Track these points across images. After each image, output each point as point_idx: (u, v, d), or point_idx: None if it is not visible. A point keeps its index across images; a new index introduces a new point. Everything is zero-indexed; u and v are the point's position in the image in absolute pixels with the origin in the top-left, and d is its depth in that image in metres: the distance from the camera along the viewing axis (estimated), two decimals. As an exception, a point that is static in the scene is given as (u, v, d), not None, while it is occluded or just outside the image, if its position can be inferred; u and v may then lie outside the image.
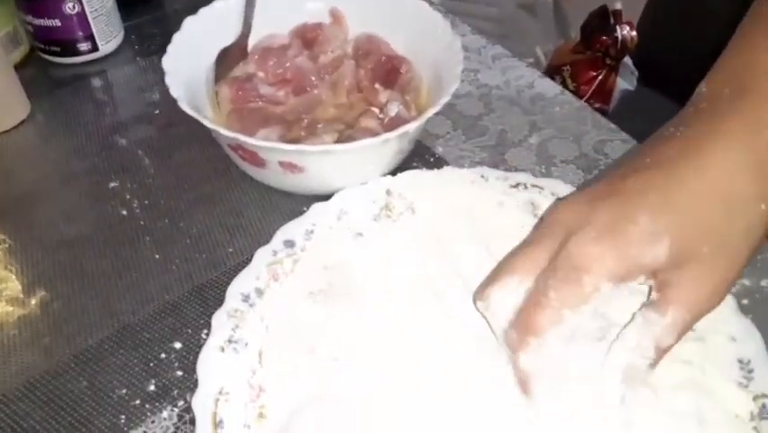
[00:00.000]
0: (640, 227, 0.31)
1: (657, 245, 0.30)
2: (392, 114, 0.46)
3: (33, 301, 0.41)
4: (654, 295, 0.32)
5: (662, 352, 0.32)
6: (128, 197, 0.47)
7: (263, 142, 0.39)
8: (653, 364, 0.32)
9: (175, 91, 0.42)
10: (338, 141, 0.44)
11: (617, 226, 0.31)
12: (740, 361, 0.36)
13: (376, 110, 0.47)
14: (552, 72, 1.20)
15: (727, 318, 0.37)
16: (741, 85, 0.34)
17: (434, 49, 0.49)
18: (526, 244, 0.35)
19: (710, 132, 0.32)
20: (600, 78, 1.14)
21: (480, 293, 0.36)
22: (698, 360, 0.35)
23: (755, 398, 0.34)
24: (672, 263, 0.31)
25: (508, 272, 0.34)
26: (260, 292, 0.39)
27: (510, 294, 0.34)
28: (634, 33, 1.08)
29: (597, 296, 0.31)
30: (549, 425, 0.33)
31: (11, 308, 0.40)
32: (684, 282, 0.31)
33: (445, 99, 0.43)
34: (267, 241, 0.41)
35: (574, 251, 0.31)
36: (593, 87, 1.14)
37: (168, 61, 0.45)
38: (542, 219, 0.36)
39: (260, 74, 0.50)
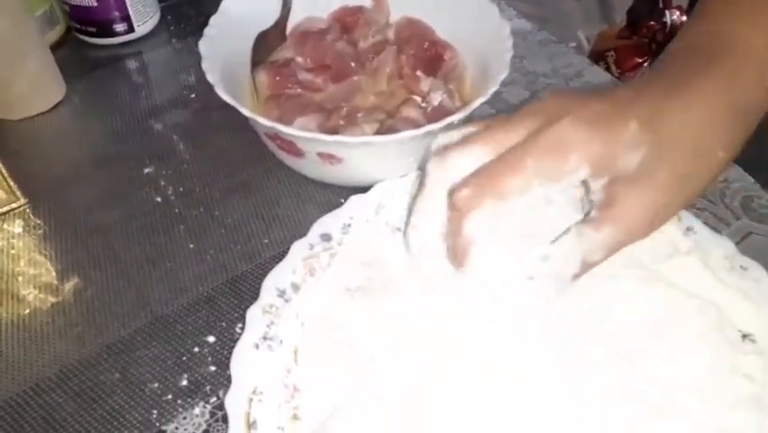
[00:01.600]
0: (629, 131, 0.31)
1: (635, 152, 0.31)
2: (435, 103, 0.44)
3: (67, 289, 0.40)
4: (594, 212, 0.32)
5: (587, 266, 0.32)
6: (163, 183, 0.46)
7: (302, 132, 0.38)
8: (577, 276, 0.32)
9: (211, 77, 0.41)
10: (378, 131, 0.42)
11: (609, 121, 0.31)
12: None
13: (418, 99, 0.45)
14: (595, 58, 1.16)
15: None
16: (718, 44, 0.35)
17: (480, 34, 0.47)
18: (501, 120, 0.33)
19: (694, 74, 0.34)
20: (646, 64, 1.09)
21: (439, 151, 0.33)
22: (759, 375, 0.33)
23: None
24: (634, 177, 0.31)
25: (480, 139, 0.32)
26: (295, 287, 0.37)
27: (473, 161, 0.32)
28: (684, 18, 1.03)
29: (573, 179, 0.31)
30: (591, 415, 0.32)
31: (44, 295, 0.40)
32: (630, 202, 0.31)
33: (493, 89, 0.41)
34: (303, 233, 0.40)
35: (561, 130, 0.31)
36: (639, 75, 1.10)
37: (204, 45, 0.43)
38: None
39: (299, 59, 0.49)
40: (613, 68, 1.12)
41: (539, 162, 0.31)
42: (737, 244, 0.39)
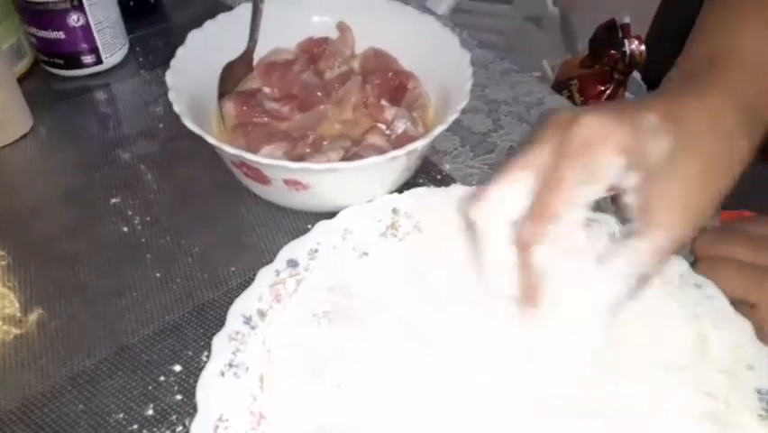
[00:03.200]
0: (649, 121, 0.31)
1: (661, 141, 0.31)
2: (399, 131, 0.46)
3: (31, 320, 0.40)
4: (637, 222, 0.32)
5: (644, 279, 0.32)
6: (130, 213, 0.46)
7: (267, 160, 0.38)
8: (635, 292, 0.32)
9: (178, 106, 0.41)
10: (344, 158, 0.43)
11: (628, 113, 0.31)
12: (759, 391, 0.34)
13: (383, 127, 0.46)
14: (559, 86, 1.19)
15: (744, 345, 0.36)
16: (712, 60, 0.37)
17: (442, 65, 0.48)
18: (528, 144, 0.33)
19: (698, 84, 0.35)
20: (608, 92, 1.13)
21: (478, 196, 0.33)
22: (722, 392, 0.34)
23: (776, 430, 0.33)
24: (665, 172, 0.31)
25: (510, 169, 0.32)
26: (262, 314, 0.38)
27: (515, 191, 0.32)
28: (642, 48, 1.07)
29: (610, 172, 0.31)
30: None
31: (7, 328, 0.39)
32: (665, 204, 0.31)
33: (454, 116, 0.42)
34: (270, 260, 0.40)
35: (584, 128, 0.31)
36: (601, 102, 1.13)
37: (171, 76, 0.44)
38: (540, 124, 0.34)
39: (266, 89, 0.50)
40: (576, 95, 1.15)
41: (572, 168, 0.31)
42: (692, 264, 0.41)
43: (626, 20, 1.14)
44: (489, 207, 0.32)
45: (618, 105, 0.33)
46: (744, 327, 0.37)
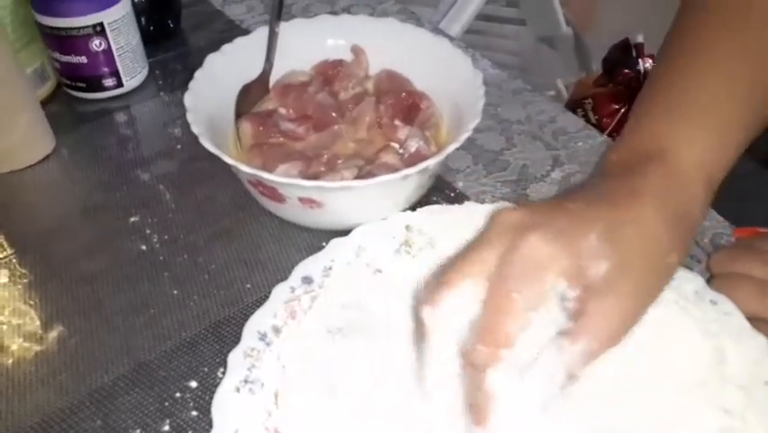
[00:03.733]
0: (590, 243, 0.33)
1: (600, 264, 0.33)
2: (412, 149, 0.46)
3: (51, 337, 0.40)
4: (570, 324, 0.33)
5: (570, 376, 0.33)
6: (148, 231, 0.47)
7: (283, 179, 0.39)
8: (563, 387, 0.33)
9: (196, 128, 0.42)
10: (358, 176, 0.44)
11: (571, 233, 0.33)
12: (778, 408, 0.34)
13: (396, 146, 0.47)
14: (573, 105, 1.19)
15: (761, 361, 0.36)
16: (648, 156, 0.38)
17: (455, 84, 0.49)
18: (474, 246, 0.34)
19: (635, 186, 0.36)
20: (623, 110, 1.13)
21: (428, 297, 0.34)
22: (739, 409, 0.34)
23: (795, 449, 0.32)
24: (603, 288, 0.33)
25: (459, 275, 0.33)
26: (276, 330, 0.38)
27: (462, 297, 0.33)
28: (656, 66, 1.07)
29: (554, 295, 0.32)
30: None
31: (28, 344, 0.40)
32: (600, 312, 0.32)
33: (466, 135, 0.43)
34: (285, 277, 0.41)
35: (532, 249, 0.32)
36: (615, 120, 1.13)
37: (189, 98, 0.45)
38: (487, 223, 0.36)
39: (282, 110, 0.51)
40: (591, 114, 1.15)
41: (522, 293, 0.32)
42: (707, 281, 0.41)
43: (640, 39, 1.15)
44: (439, 311, 0.33)
45: (565, 216, 0.34)
46: (761, 342, 0.36)
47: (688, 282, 0.40)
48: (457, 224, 0.44)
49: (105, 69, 0.58)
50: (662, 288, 0.35)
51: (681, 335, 0.37)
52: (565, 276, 0.32)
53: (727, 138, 0.39)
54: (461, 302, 0.33)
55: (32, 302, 0.43)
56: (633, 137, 0.40)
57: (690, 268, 0.42)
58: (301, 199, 0.41)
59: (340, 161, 0.46)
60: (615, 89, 1.13)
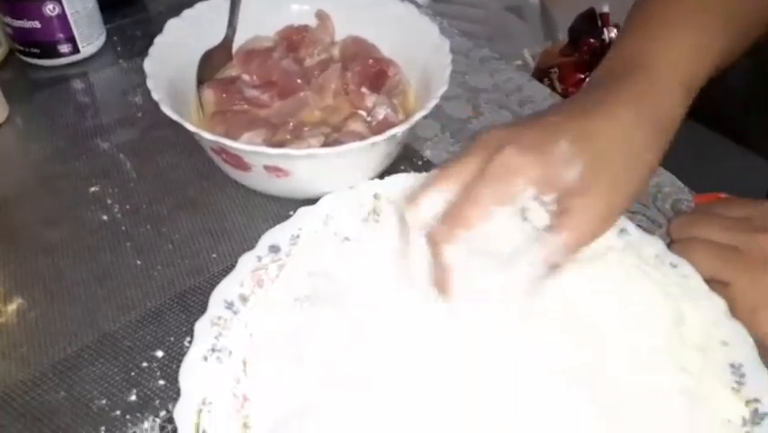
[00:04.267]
0: (561, 149, 0.36)
1: (572, 168, 0.35)
2: (380, 117, 0.46)
3: (10, 310, 0.39)
4: (552, 220, 0.36)
5: (551, 268, 0.36)
6: (109, 201, 0.46)
7: (246, 146, 0.39)
8: (542, 278, 0.36)
9: (157, 94, 0.41)
10: (324, 144, 0.43)
11: (542, 144, 0.36)
12: (732, 366, 0.35)
13: (363, 113, 0.47)
14: (539, 74, 1.20)
15: (719, 322, 0.37)
16: (632, 65, 0.40)
17: (422, 52, 0.49)
18: (456, 159, 0.38)
19: (613, 94, 0.39)
20: (588, 80, 1.14)
21: (409, 199, 0.37)
22: (697, 369, 0.35)
23: (747, 402, 0.33)
24: (576, 190, 0.35)
25: (441, 179, 0.37)
26: (244, 299, 0.38)
27: (440, 198, 0.36)
28: (621, 36, 1.08)
29: (523, 199, 0.36)
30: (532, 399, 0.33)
31: (-13, 317, 0.39)
32: (580, 211, 0.35)
33: (434, 102, 0.42)
34: (252, 246, 0.40)
35: (505, 158, 0.35)
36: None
37: (149, 64, 0.44)
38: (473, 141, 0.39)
39: (245, 77, 0.50)
40: (557, 83, 1.16)
41: (493, 191, 0.35)
42: (668, 244, 0.42)
43: (605, 9, 1.15)
44: (419, 209, 0.37)
45: (539, 129, 0.37)
46: (718, 304, 0.38)
47: (649, 246, 0.41)
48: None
49: (60, 35, 0.56)
50: (638, 185, 0.37)
51: (641, 297, 0.38)
52: (536, 184, 0.35)
53: (705, 47, 0.41)
54: (439, 200, 0.36)
55: (-11, 275, 0.41)
56: (615, 54, 0.43)
57: (650, 232, 0.43)
58: (267, 168, 0.41)
59: (306, 129, 0.45)
60: (580, 59, 1.14)
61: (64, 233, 0.44)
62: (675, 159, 0.52)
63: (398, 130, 0.41)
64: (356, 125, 0.45)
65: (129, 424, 0.34)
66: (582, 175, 0.35)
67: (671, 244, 0.42)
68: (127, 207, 0.46)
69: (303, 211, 0.42)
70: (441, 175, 0.37)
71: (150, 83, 0.42)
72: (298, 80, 0.49)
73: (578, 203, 0.35)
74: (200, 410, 0.33)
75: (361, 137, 0.43)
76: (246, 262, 0.39)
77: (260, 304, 0.38)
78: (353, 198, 0.43)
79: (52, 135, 0.52)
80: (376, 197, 0.43)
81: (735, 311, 0.37)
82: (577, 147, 0.36)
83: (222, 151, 0.41)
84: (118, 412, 0.35)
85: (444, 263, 0.35)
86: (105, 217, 0.45)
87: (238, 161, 0.41)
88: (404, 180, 0.45)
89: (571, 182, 0.35)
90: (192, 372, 0.34)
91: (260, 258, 0.40)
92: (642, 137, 0.37)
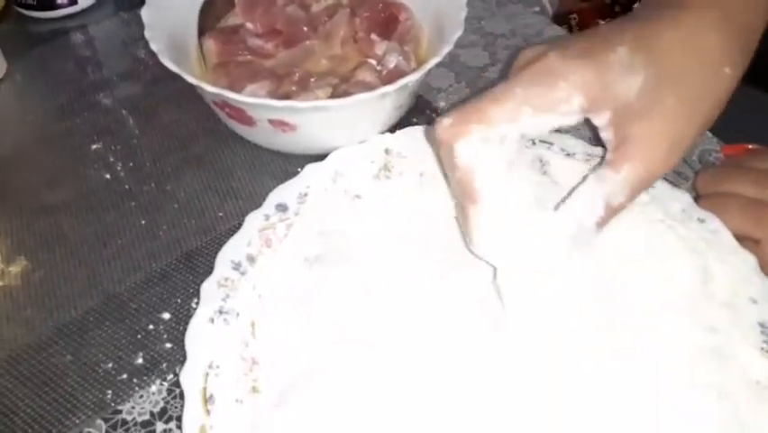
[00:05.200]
0: (619, 55, 0.29)
1: (633, 76, 0.29)
2: (390, 66, 0.43)
3: (14, 272, 0.39)
4: (610, 154, 0.31)
5: (612, 210, 0.31)
6: (112, 159, 0.45)
7: (250, 99, 0.36)
8: (601, 223, 0.31)
9: (155, 45, 0.39)
10: (332, 96, 0.41)
11: (596, 49, 0.30)
12: (762, 325, 0.34)
13: (373, 62, 0.44)
14: (558, 21, 1.14)
15: (748, 279, 0.35)
16: None
17: (435, -6, 0.46)
18: (501, 84, 0.32)
19: (676, 4, 0.32)
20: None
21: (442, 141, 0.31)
22: (725, 326, 0.33)
23: (778, 363, 0.32)
24: (640, 107, 0.30)
25: (487, 98, 0.31)
26: (251, 259, 0.36)
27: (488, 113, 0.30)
28: (645, -21, 1.03)
29: (567, 109, 0.30)
30: (548, 382, 0.31)
31: (-10, 280, 0.38)
32: (644, 136, 0.30)
33: (447, 48, 0.40)
34: (258, 204, 0.39)
35: (549, 61, 0.30)
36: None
37: (147, 13, 0.42)
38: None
39: (248, 25, 0.47)
40: (576, 30, 1.11)
41: (527, 90, 0.29)
42: (695, 198, 0.39)
43: (629, -50, 1.09)
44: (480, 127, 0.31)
45: (590, 38, 0.31)
46: (748, 260, 0.36)
47: (675, 201, 0.39)
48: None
49: (56, -16, 0.53)
50: (714, 107, 0.31)
51: (667, 253, 0.37)
52: (584, 91, 0.29)
53: None
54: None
55: (-9, 236, 0.40)
56: None
57: (676, 185, 0.40)
58: (272, 122, 0.39)
59: (313, 80, 0.43)
60: (600, 4, 1.09)
61: (66, 192, 0.43)
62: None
63: (410, 79, 0.38)
64: (365, 75, 0.42)
65: (136, 387, 0.34)
66: (644, 90, 0.29)
67: (698, 199, 0.40)
68: (130, 164, 0.44)
69: (311, 168, 0.40)
70: (489, 96, 0.30)
71: (148, 33, 0.40)
72: (304, 28, 0.46)
73: (641, 129, 0.29)
74: (207, 374, 0.32)
75: (371, 87, 0.41)
76: (253, 221, 0.38)
77: (269, 264, 0.37)
78: (363, 154, 0.41)
79: (52, 91, 0.50)
80: (387, 152, 0.42)
81: (766, 269, 0.35)
82: (638, 54, 0.29)
83: (225, 104, 0.39)
84: (125, 376, 0.34)
85: (460, 165, 0.30)
86: (107, 176, 0.44)
87: (241, 115, 0.39)
88: (416, 134, 0.42)
89: (629, 98, 0.29)
90: (198, 334, 0.33)
91: (267, 217, 0.38)
92: (718, 46, 0.30)
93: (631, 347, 0.33)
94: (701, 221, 0.38)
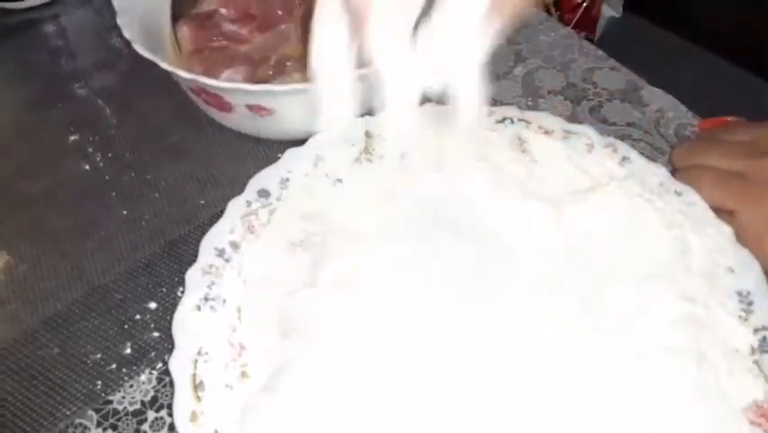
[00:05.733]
0: None
1: None
2: (368, 48, 0.43)
3: (-5, 266, 0.38)
4: None
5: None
6: (90, 150, 0.44)
7: (226, 84, 0.36)
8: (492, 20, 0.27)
9: (128, 32, 0.39)
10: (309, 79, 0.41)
11: None
12: (739, 293, 0.34)
13: (350, 45, 0.44)
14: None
15: (725, 250, 0.36)
16: None
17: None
18: None
19: None
20: (585, 5, 1.09)
21: None
22: (702, 296, 0.34)
23: (756, 331, 0.33)
24: None
25: None
26: (235, 246, 0.37)
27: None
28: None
29: None
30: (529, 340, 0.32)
31: (-29, 275, 0.38)
32: None
33: (424, 30, 0.40)
34: (240, 191, 0.39)
35: None
36: (578, 16, 1.09)
37: (119, 0, 0.41)
38: None
39: (222, 10, 0.46)
40: (552, 10, 1.11)
41: None
42: (672, 172, 0.40)
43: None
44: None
45: None
46: (724, 231, 0.36)
47: (652, 175, 0.39)
48: (419, 128, 0.42)
49: (25, -26, 0.52)
50: None
51: (645, 226, 0.37)
52: None
53: None
54: None
55: (-30, 231, 0.40)
56: None
57: (654, 160, 0.41)
58: (249, 107, 0.39)
59: (289, 64, 0.43)
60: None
61: (45, 184, 0.42)
62: (679, 83, 0.50)
63: (388, 61, 0.38)
64: (343, 58, 0.42)
65: (125, 377, 0.34)
66: None
67: (674, 172, 0.40)
68: (109, 155, 0.44)
69: (291, 153, 0.40)
70: None
71: (120, 20, 0.39)
72: (279, 12, 0.46)
73: None
74: (196, 361, 0.32)
75: (349, 71, 0.41)
76: (235, 207, 0.38)
77: (253, 250, 0.37)
78: (344, 137, 0.41)
79: (26, 83, 0.49)
80: (367, 135, 0.42)
81: (741, 240, 0.36)
82: None
83: (201, 91, 0.39)
84: (114, 366, 0.34)
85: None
86: (86, 167, 0.43)
87: (219, 102, 0.39)
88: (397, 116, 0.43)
89: None
90: (185, 322, 0.33)
91: (249, 203, 0.38)
92: None
93: (611, 319, 0.33)
94: (678, 194, 0.39)
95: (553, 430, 0.30)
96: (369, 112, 0.43)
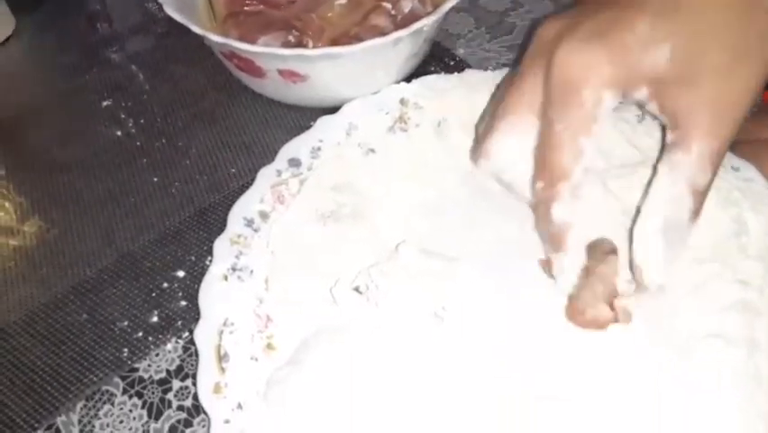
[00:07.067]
0: (637, 35, 0.27)
1: (657, 51, 0.27)
2: (406, 10, 0.41)
3: (28, 231, 0.38)
4: (670, 134, 0.28)
5: (700, 195, 0.28)
6: (123, 116, 0.44)
7: (257, 48, 0.35)
8: (695, 213, 0.28)
9: (160, -6, 0.38)
10: (343, 41, 0.39)
11: (608, 32, 0.27)
12: (797, 279, 0.32)
13: (388, 5, 0.42)
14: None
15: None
16: None
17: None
18: (515, 78, 0.31)
19: None
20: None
21: (478, 150, 0.32)
22: (757, 281, 0.31)
23: (814, 320, 0.30)
24: (679, 75, 0.27)
25: (506, 116, 0.30)
26: (264, 216, 0.36)
27: (510, 139, 0.31)
28: None
29: (602, 110, 0.28)
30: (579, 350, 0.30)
31: (4, 239, 0.38)
32: (697, 104, 0.27)
33: (465, -10, 0.38)
34: (271, 160, 0.38)
35: (562, 62, 0.28)
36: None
37: (152, -39, 0.40)
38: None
39: (257, -27, 0.45)
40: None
41: (564, 120, 0.28)
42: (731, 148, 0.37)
43: None
44: (490, 160, 0.32)
45: (602, 15, 0.28)
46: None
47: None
48: (458, 96, 0.40)
49: (61, -64, 0.52)
50: (762, 51, 0.27)
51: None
52: (610, 83, 0.27)
53: None
54: (511, 141, 0.31)
55: (4, 195, 0.40)
56: None
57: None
58: (281, 72, 0.37)
59: (326, 30, 0.41)
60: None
61: (78, 151, 0.42)
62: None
63: (425, 23, 0.36)
64: (379, 20, 0.40)
65: (152, 346, 0.33)
66: (677, 57, 0.26)
67: (734, 147, 0.38)
68: (141, 121, 0.43)
69: (323, 121, 0.39)
70: (504, 110, 0.30)
71: (152, -17, 0.38)
72: (315, -25, 0.44)
73: (691, 97, 0.26)
74: (221, 332, 0.31)
75: (384, 33, 0.39)
76: (265, 176, 0.37)
77: (282, 221, 0.36)
78: (378, 105, 0.40)
79: (61, 48, 0.49)
80: (403, 102, 0.40)
81: None
82: (661, 25, 0.26)
83: (233, 55, 0.38)
84: (140, 334, 0.34)
85: (559, 223, 0.29)
86: (119, 133, 0.43)
87: (250, 66, 0.38)
88: (434, 83, 0.41)
89: (661, 68, 0.27)
90: (212, 292, 0.33)
91: (279, 172, 0.37)
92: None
93: (657, 304, 0.31)
94: (735, 169, 0.36)
95: (589, 413, 0.29)
96: (404, 79, 0.41)
